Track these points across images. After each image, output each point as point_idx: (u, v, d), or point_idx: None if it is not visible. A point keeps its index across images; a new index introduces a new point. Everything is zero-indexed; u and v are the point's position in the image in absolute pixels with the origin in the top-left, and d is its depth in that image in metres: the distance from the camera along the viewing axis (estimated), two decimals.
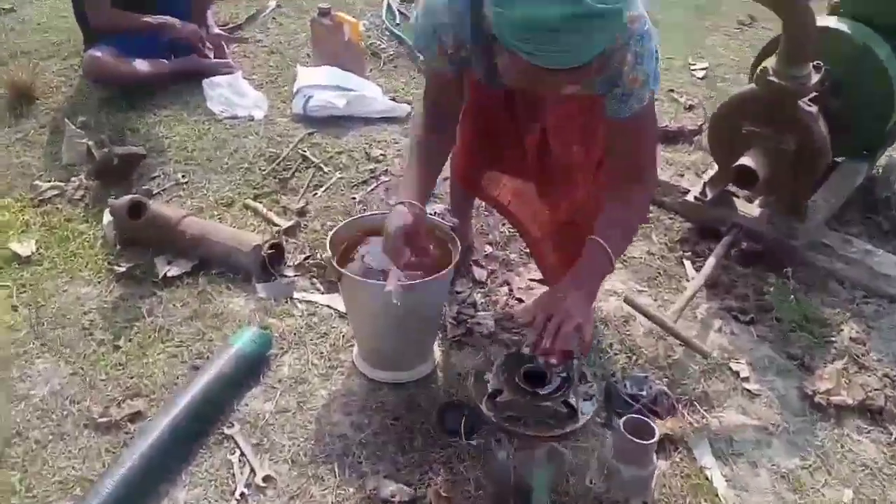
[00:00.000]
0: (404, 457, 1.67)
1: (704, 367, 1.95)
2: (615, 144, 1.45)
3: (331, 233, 1.78)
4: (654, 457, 1.58)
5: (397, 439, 1.70)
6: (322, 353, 1.93)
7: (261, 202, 2.48)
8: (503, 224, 2.40)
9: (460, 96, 1.63)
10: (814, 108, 2.09)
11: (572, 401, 1.53)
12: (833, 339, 2.07)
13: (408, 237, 1.52)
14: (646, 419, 1.57)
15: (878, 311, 2.19)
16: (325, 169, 2.66)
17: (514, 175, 1.92)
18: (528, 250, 2.32)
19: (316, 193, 2.54)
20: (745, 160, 2.03)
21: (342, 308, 2.06)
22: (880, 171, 2.68)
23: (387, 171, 2.66)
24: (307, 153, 2.72)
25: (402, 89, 3.19)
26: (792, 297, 2.17)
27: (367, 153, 2.74)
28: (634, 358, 1.97)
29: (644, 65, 1.37)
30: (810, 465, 1.73)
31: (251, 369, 1.83)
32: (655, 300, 2.17)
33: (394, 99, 3.07)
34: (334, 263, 1.69)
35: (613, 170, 1.48)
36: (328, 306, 2.08)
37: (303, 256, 2.25)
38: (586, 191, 1.70)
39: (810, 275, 2.28)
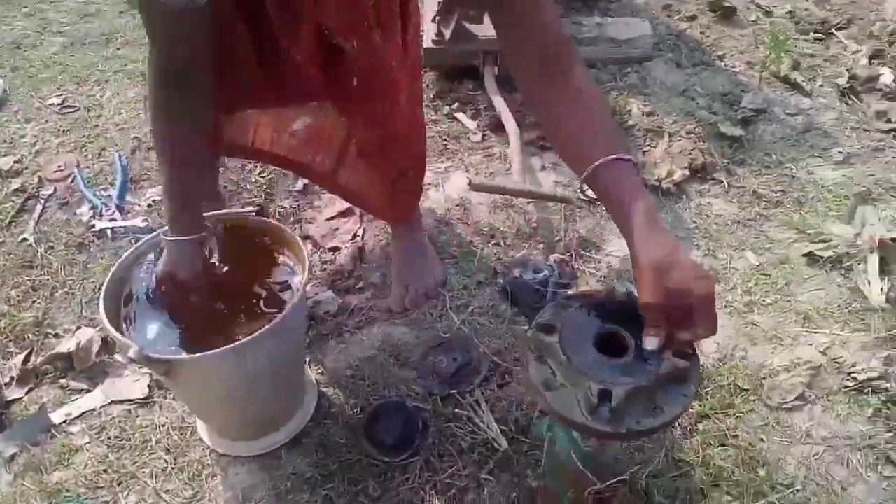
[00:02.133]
0: None
1: (564, 213, 1.74)
2: (531, 16, 0.98)
3: (101, 308, 1.08)
4: None
5: (345, 494, 1.22)
6: (165, 469, 1.27)
7: None
8: (248, 170, 1.81)
9: (211, 37, 1.02)
10: None
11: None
12: (631, 122, 2.00)
13: (195, 287, 1.11)
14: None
15: (639, 74, 2.17)
16: None
17: (274, 104, 1.38)
18: (301, 188, 1.80)
19: None
20: None
21: (131, 394, 1.39)
22: None
23: (40, 179, 1.81)
24: None
25: None
26: None
27: None
28: (502, 240, 1.67)
29: None
30: (709, 250, 1.67)
31: None
32: (468, 169, 1.86)
33: None
34: (140, 350, 1.02)
35: (546, 55, 0.99)
36: (114, 401, 1.38)
37: (19, 360, 1.44)
38: (406, 91, 1.27)
39: None
